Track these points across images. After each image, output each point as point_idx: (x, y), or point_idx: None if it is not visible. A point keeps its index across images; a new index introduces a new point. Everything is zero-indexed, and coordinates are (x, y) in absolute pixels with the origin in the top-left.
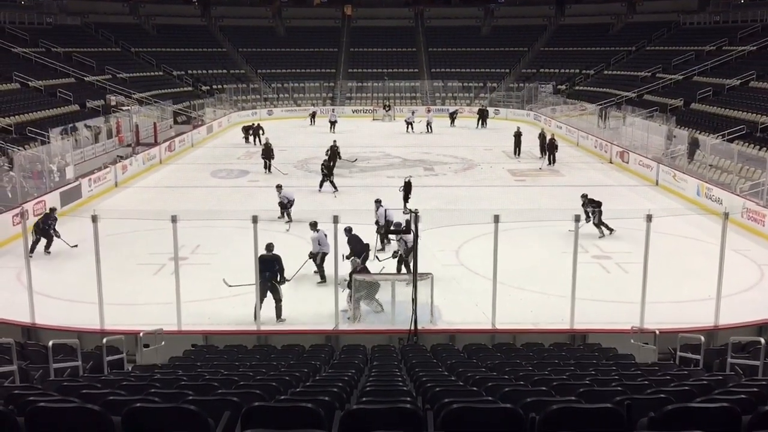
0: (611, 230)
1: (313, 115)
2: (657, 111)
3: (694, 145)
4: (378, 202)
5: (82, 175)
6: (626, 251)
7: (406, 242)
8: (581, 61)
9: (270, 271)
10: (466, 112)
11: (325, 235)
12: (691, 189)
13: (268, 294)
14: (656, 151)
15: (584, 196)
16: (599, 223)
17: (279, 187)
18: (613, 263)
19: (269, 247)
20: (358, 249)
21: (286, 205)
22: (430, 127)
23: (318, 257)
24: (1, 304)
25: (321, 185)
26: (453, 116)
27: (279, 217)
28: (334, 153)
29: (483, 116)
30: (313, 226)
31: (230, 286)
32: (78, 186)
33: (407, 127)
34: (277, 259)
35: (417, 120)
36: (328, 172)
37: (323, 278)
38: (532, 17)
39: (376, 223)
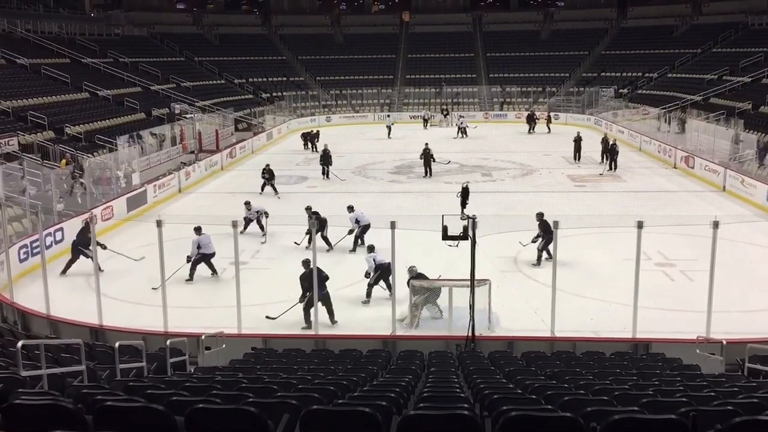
0: (548, 258)
1: (425, 120)
2: (724, 114)
3: (765, 150)
4: (350, 208)
5: (148, 181)
6: (691, 259)
7: (358, 221)
8: (644, 64)
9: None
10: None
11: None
12: (760, 195)
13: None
14: (723, 156)
15: (539, 215)
16: (542, 249)
17: (248, 204)
18: (678, 271)
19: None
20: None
21: (259, 219)
22: (465, 132)
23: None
24: (71, 307)
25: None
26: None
27: (242, 232)
28: (426, 155)
29: (531, 121)
30: (197, 230)
31: (274, 318)
32: (143, 192)
33: (458, 132)
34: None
35: (473, 125)
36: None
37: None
38: (593, 20)
39: (350, 231)
